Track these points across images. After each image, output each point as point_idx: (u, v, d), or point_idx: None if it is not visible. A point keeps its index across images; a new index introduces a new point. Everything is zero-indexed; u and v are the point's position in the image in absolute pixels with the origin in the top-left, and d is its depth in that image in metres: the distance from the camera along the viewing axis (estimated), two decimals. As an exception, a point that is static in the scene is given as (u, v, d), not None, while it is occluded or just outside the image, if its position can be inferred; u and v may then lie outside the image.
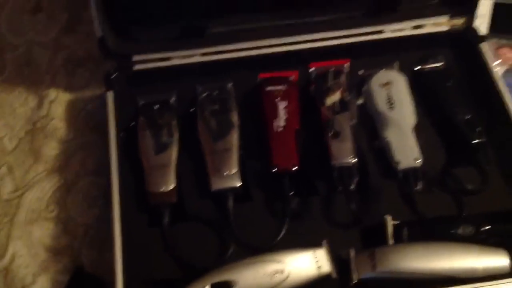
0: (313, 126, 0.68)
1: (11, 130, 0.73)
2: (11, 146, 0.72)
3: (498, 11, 0.81)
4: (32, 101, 0.74)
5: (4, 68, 0.77)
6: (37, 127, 0.73)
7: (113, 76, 0.69)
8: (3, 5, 0.80)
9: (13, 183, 0.69)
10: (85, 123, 0.73)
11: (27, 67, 0.77)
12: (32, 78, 0.76)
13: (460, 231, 0.60)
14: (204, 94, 0.69)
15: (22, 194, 0.69)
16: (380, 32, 0.74)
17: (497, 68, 0.76)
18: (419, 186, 0.65)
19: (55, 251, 0.65)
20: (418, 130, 0.68)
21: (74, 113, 0.74)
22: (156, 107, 0.68)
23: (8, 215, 0.67)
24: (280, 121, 0.67)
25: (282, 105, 0.68)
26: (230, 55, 0.72)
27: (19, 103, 0.74)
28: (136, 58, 0.70)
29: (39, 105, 0.74)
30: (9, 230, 0.66)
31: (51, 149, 0.71)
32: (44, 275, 0.64)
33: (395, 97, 0.69)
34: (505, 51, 0.78)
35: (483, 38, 0.74)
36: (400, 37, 0.74)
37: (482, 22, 0.80)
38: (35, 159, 0.71)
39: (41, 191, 0.69)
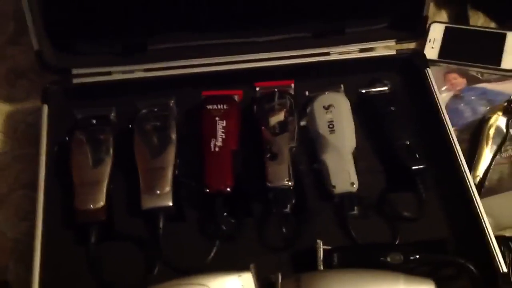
0: (254, 147, 0.68)
1: None
2: None
3: (449, 35, 0.81)
4: (-30, 111, 0.74)
5: None
6: (-27, 137, 0.72)
7: (50, 89, 0.68)
8: None
9: None
10: (24, 135, 0.72)
11: (-31, 76, 0.76)
12: (-28, 87, 0.75)
13: (389, 259, 0.59)
14: (144, 111, 0.68)
15: (-48, 205, 0.67)
16: (327, 54, 0.74)
17: (444, 93, 0.76)
18: (355, 211, 0.65)
19: (-19, 266, 0.64)
20: (359, 154, 0.67)
21: (13, 124, 0.73)
22: (93, 121, 0.68)
23: None
24: (217, 141, 0.66)
25: (221, 125, 0.67)
26: (174, 71, 0.72)
27: (-43, 112, 0.74)
28: (75, 71, 0.69)
29: (-23, 115, 0.73)
30: None
31: (-14, 161, 0.70)
32: (-33, 290, 0.62)
33: (337, 120, 0.68)
34: (453, 76, 0.78)
35: (429, 63, 0.74)
36: (347, 59, 0.74)
37: (433, 46, 0.80)
38: (-32, 170, 0.70)
39: (-28, 203, 0.68)
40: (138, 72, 0.71)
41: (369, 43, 0.74)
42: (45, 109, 0.67)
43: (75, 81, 0.69)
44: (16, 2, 0.68)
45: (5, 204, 0.67)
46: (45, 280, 0.57)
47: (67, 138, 0.66)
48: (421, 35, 0.75)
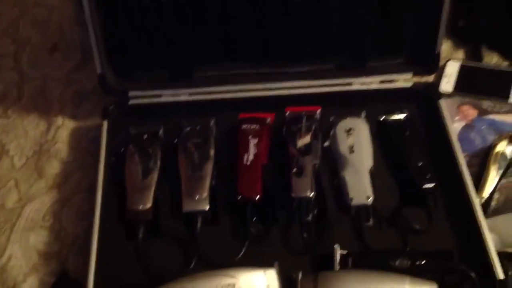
0: (282, 163, 0.77)
1: (21, 150, 0.84)
2: (20, 163, 0.83)
3: (464, 72, 0.89)
4: (42, 126, 0.86)
5: (22, 96, 0.90)
6: (43, 148, 0.84)
7: (110, 108, 0.80)
8: (25, 44, 0.94)
9: (18, 195, 0.80)
10: (85, 148, 0.84)
11: (41, 97, 0.89)
12: (44, 106, 0.88)
13: (397, 263, 0.67)
14: (187, 128, 0.79)
15: (24, 204, 0.79)
16: (349, 84, 0.83)
17: (457, 123, 0.84)
18: (370, 222, 0.73)
19: (46, 256, 0.74)
20: (376, 173, 0.76)
21: (76, 138, 0.85)
22: (145, 137, 0.79)
23: (10, 221, 0.77)
24: (250, 156, 0.76)
25: (253, 142, 0.77)
26: (215, 96, 0.83)
27: (31, 127, 0.86)
28: (131, 94, 0.81)
29: (47, 130, 0.85)
30: (9, 235, 0.76)
31: (53, 168, 0.82)
32: (34, 275, 0.73)
33: (356, 142, 0.77)
34: (466, 108, 0.86)
35: (444, 96, 0.82)
36: (367, 89, 0.84)
37: (448, 81, 0.88)
38: (38, 176, 0.81)
39: (41, 203, 0.79)
40: (184, 95, 0.82)
41: (388, 75, 0.83)
42: (105, 125, 0.79)
43: (131, 102, 0.81)
44: (84, 34, 0.80)
45: (68, 204, 0.79)
46: (99, 269, 0.67)
47: (122, 150, 0.77)
48: (435, 70, 0.84)
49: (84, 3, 0.74)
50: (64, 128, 0.86)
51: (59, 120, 0.86)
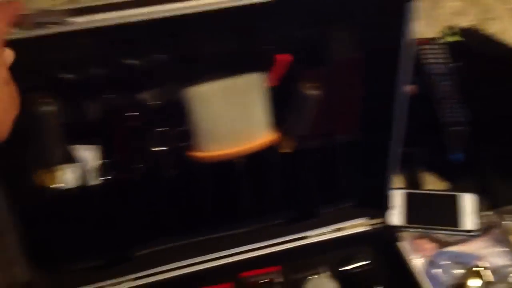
0: None
1: None
2: None
3: (410, 201, 0.86)
4: None
5: None
6: None
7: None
8: None
9: None
10: None
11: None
12: None
13: None
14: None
15: None
16: (304, 237, 0.78)
17: (418, 260, 0.80)
18: None
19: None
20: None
21: None
22: None
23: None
24: None
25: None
26: (162, 276, 0.73)
27: None
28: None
29: None
30: None
31: None
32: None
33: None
34: (422, 242, 0.82)
35: (399, 237, 0.79)
36: (324, 240, 0.78)
37: (398, 212, 0.85)
38: None
39: None
40: (127, 282, 0.72)
41: (342, 222, 0.79)
42: None
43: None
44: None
45: None
46: None
47: None
48: (387, 210, 0.80)
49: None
50: None
51: None
